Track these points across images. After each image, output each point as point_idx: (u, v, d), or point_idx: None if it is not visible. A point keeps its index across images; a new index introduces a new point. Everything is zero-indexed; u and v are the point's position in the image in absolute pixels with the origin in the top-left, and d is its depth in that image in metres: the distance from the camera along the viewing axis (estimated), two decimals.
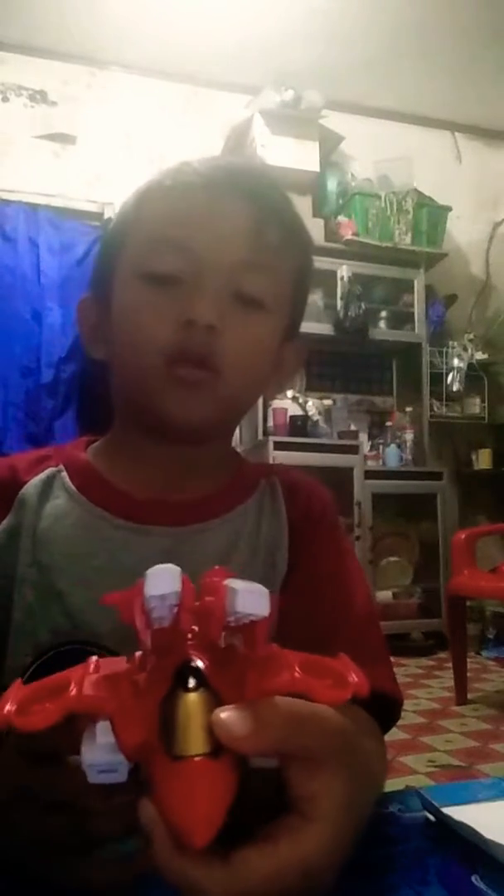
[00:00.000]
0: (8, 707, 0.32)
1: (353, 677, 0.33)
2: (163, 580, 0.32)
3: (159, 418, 0.59)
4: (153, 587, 0.32)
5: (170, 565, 0.33)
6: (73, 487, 0.62)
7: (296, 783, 0.32)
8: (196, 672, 0.33)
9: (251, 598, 0.32)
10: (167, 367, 0.57)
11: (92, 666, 0.34)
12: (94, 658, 0.35)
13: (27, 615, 0.58)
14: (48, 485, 0.62)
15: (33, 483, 0.62)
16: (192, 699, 0.32)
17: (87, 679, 0.33)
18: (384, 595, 3.78)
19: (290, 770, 0.33)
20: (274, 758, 0.33)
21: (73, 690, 0.32)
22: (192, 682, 0.32)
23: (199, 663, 0.33)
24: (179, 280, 0.58)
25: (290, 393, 3.92)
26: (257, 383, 0.64)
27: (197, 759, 0.31)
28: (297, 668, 0.33)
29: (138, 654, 0.35)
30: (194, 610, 0.34)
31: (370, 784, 0.38)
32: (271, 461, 3.40)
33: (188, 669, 0.33)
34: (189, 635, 0.34)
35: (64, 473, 0.63)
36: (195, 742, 0.31)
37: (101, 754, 0.32)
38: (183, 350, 0.57)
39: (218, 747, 0.31)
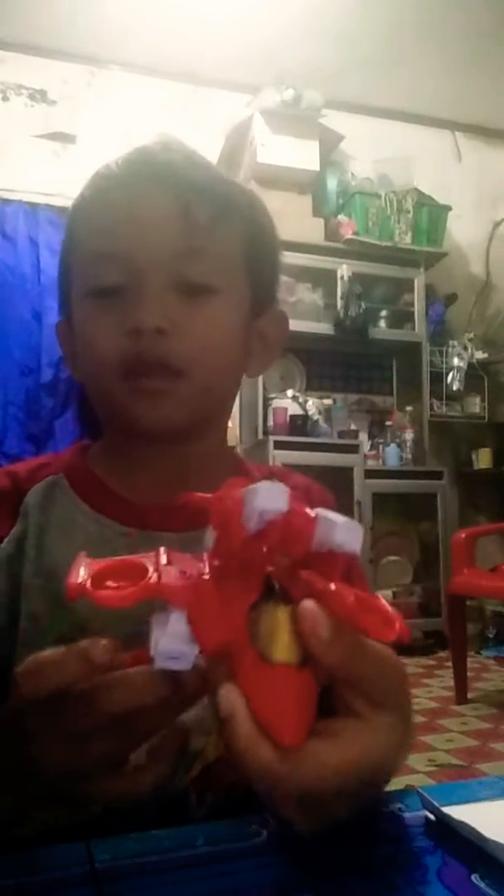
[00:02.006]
0: (83, 577, 0.34)
1: (398, 622, 0.37)
2: (273, 496, 0.34)
3: (133, 429, 0.58)
4: (264, 500, 0.34)
5: (278, 483, 0.35)
6: (75, 495, 0.61)
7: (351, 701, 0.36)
8: (284, 588, 0.36)
9: (349, 532, 0.35)
10: (126, 381, 0.56)
11: (164, 557, 0.36)
12: (163, 549, 0.36)
13: (33, 624, 0.57)
14: (50, 493, 0.61)
15: (35, 491, 0.61)
16: (288, 612, 0.35)
17: (164, 569, 0.35)
18: (384, 594, 3.77)
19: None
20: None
21: (154, 578, 0.34)
22: (283, 597, 0.35)
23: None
24: (122, 289, 0.56)
25: (290, 392, 3.92)
26: (228, 371, 0.62)
27: (291, 666, 0.34)
28: (353, 602, 0.35)
29: (207, 555, 0.36)
30: (282, 529, 0.35)
31: (410, 725, 0.42)
32: (271, 461, 3.39)
33: (279, 584, 0.36)
34: (267, 551, 0.36)
35: (65, 481, 0.62)
36: (290, 651, 0.34)
37: (174, 642, 0.34)
38: (137, 360, 0.55)
39: (305, 659, 0.34)
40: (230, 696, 0.34)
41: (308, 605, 0.34)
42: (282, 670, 0.34)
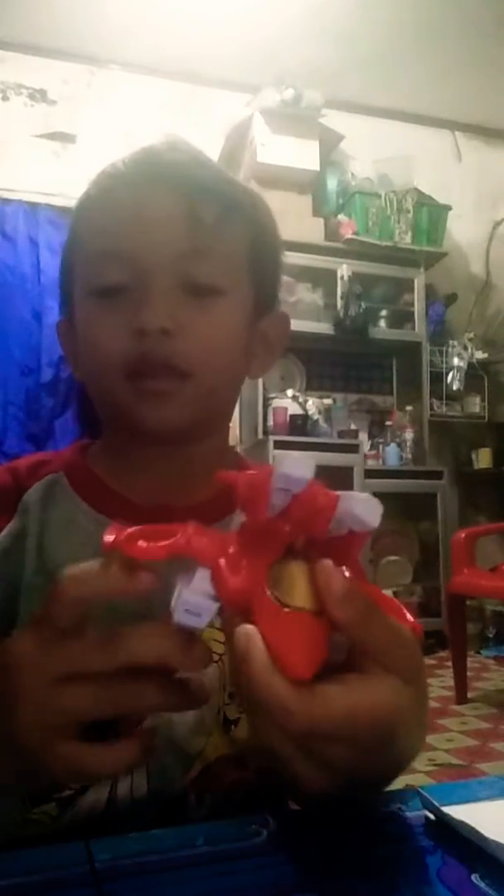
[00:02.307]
0: (118, 535, 0.36)
1: (411, 618, 0.39)
2: (301, 464, 0.36)
3: (137, 429, 0.58)
4: (291, 468, 0.36)
5: (304, 454, 0.37)
6: (75, 495, 0.61)
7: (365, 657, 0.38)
8: (304, 549, 0.38)
9: (369, 506, 0.37)
10: (130, 382, 0.56)
11: (192, 527, 0.37)
12: (193, 522, 0.38)
13: None
14: (50, 491, 0.61)
15: (35, 489, 0.61)
16: (304, 566, 0.37)
17: (194, 534, 0.37)
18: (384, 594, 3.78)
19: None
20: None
21: (182, 538, 0.36)
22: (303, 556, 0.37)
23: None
24: (126, 289, 0.56)
25: (290, 392, 3.92)
26: (232, 372, 0.62)
27: (306, 611, 0.36)
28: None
29: (235, 529, 0.38)
30: (305, 504, 0.37)
31: (426, 697, 0.43)
32: (271, 460, 3.39)
33: (299, 546, 0.38)
34: (290, 529, 0.38)
35: (65, 480, 0.62)
36: (305, 598, 0.36)
37: (195, 596, 0.36)
38: (142, 361, 0.55)
39: (320, 612, 0.36)
40: (247, 633, 0.36)
41: (325, 561, 0.36)
42: (297, 614, 0.36)
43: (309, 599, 0.36)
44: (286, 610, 0.36)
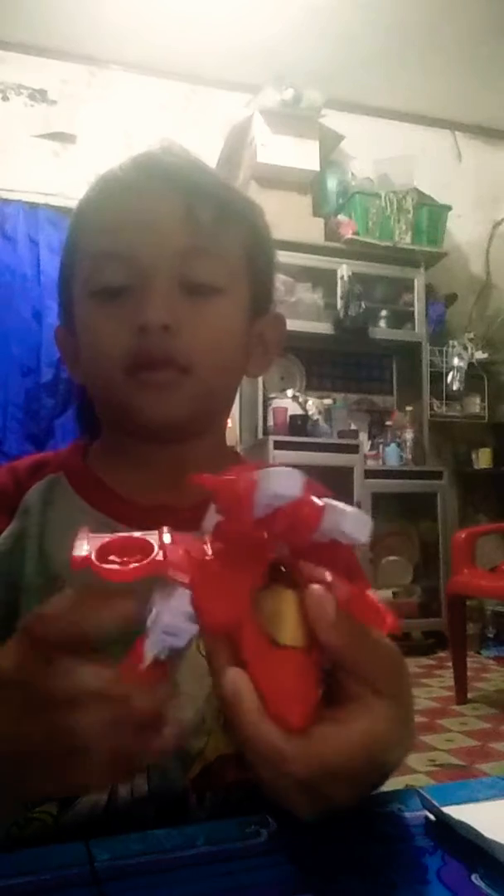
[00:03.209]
0: (87, 549, 0.34)
1: (390, 617, 0.37)
2: (290, 481, 0.34)
3: (136, 424, 0.59)
4: (280, 485, 0.33)
5: (294, 470, 0.34)
6: (75, 494, 0.61)
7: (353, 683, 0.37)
8: (290, 573, 0.36)
9: (358, 523, 0.35)
10: (131, 376, 0.56)
11: (168, 535, 0.36)
12: (167, 528, 0.36)
13: None
14: (50, 492, 0.61)
15: (35, 490, 0.61)
16: (292, 595, 0.35)
17: (169, 548, 0.34)
18: (384, 594, 3.78)
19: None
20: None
21: (161, 555, 0.34)
22: (289, 581, 0.35)
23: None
24: (128, 289, 0.57)
25: (290, 392, 3.92)
26: (231, 370, 0.63)
27: (299, 649, 0.34)
28: (347, 594, 0.36)
29: (209, 537, 0.36)
30: (289, 516, 0.35)
31: (411, 708, 0.42)
32: (271, 461, 3.39)
33: (285, 569, 0.36)
34: (269, 537, 0.35)
35: (65, 480, 0.62)
36: (297, 633, 0.34)
37: (176, 617, 0.34)
38: (143, 356, 0.56)
39: (311, 643, 0.35)
40: (236, 678, 0.34)
41: (317, 588, 0.35)
42: (289, 653, 0.34)
43: (300, 633, 0.35)
44: (277, 648, 0.34)
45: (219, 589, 0.34)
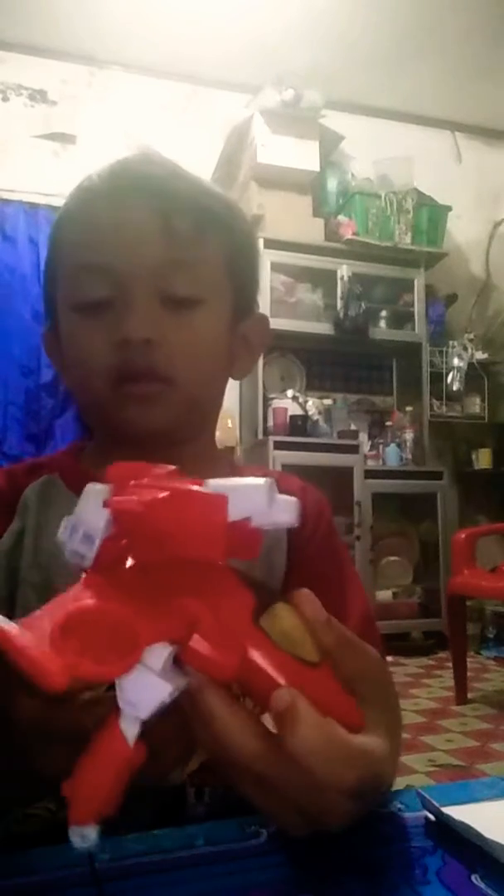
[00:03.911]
0: (69, 659, 0.28)
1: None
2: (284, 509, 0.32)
3: (123, 433, 0.59)
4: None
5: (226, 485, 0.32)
6: (71, 493, 0.62)
7: None
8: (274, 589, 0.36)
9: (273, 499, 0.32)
10: (115, 389, 0.57)
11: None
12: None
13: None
14: (46, 491, 0.62)
15: (32, 488, 0.62)
16: (292, 610, 0.35)
17: (144, 626, 0.30)
18: (384, 595, 3.78)
19: None
20: None
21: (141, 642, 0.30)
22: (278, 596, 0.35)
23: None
24: (109, 302, 0.57)
25: (290, 392, 3.92)
26: (214, 376, 0.64)
27: (326, 661, 0.34)
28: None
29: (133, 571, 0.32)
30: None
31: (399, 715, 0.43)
32: (271, 461, 3.39)
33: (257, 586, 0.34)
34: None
35: (60, 480, 0.63)
36: (314, 649, 0.34)
37: (140, 692, 0.30)
38: (126, 370, 0.57)
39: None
40: (289, 695, 0.32)
41: (303, 590, 0.35)
42: (323, 664, 0.35)
43: (314, 649, 0.34)
44: (309, 665, 0.34)
45: (211, 633, 0.31)
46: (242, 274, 0.65)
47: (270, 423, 3.77)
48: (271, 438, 3.59)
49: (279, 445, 3.54)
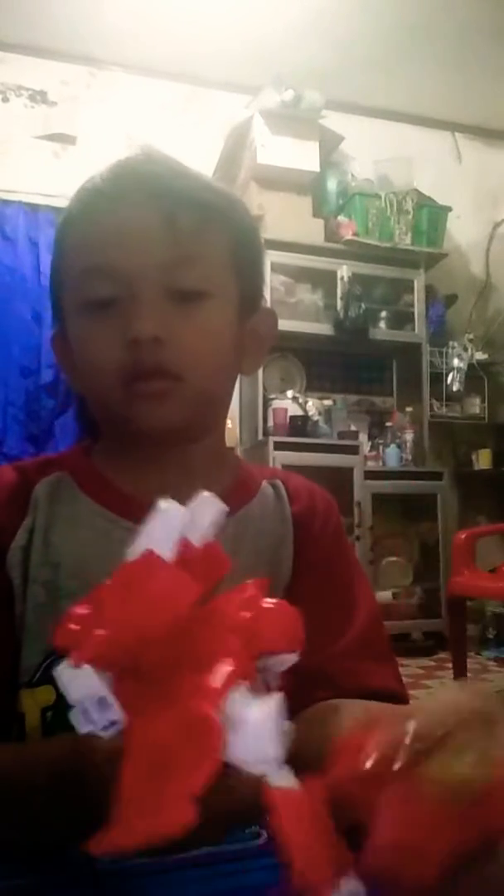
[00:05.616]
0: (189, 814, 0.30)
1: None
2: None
3: (135, 431, 0.60)
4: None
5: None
6: (81, 492, 0.63)
7: None
8: None
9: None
10: (126, 387, 0.58)
11: None
12: None
13: (38, 615, 0.58)
14: (56, 489, 0.63)
15: (43, 484, 0.63)
16: None
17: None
18: (384, 595, 3.77)
19: None
20: None
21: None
22: None
23: None
24: (116, 301, 0.58)
25: (290, 393, 3.92)
26: (224, 372, 0.64)
27: None
28: None
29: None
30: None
31: None
32: (271, 461, 3.39)
33: None
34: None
35: (70, 478, 0.64)
36: None
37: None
38: (136, 368, 0.57)
39: None
40: None
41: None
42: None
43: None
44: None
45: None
46: (247, 268, 0.65)
47: (270, 423, 3.77)
48: (271, 439, 3.58)
49: (279, 446, 3.53)
